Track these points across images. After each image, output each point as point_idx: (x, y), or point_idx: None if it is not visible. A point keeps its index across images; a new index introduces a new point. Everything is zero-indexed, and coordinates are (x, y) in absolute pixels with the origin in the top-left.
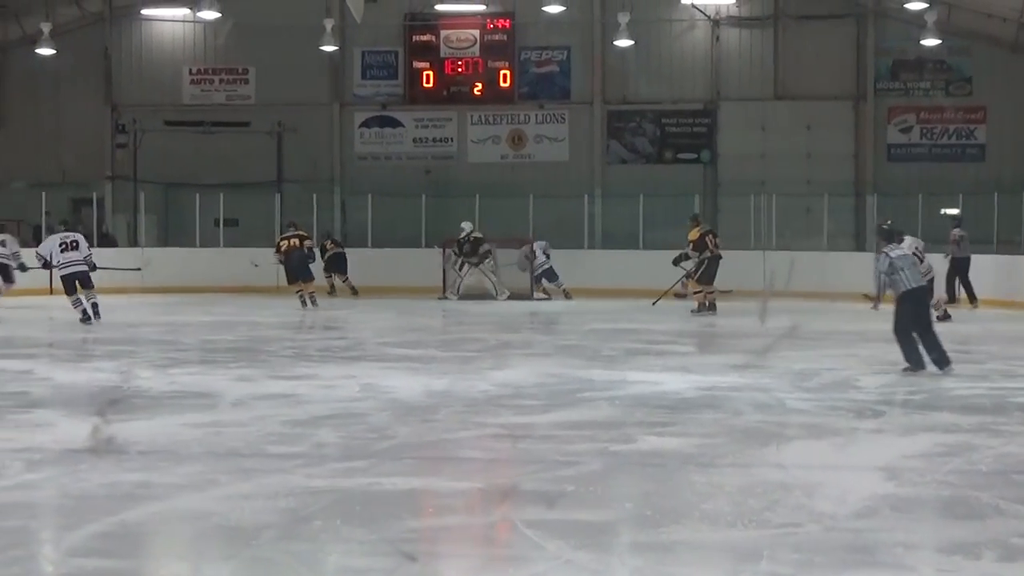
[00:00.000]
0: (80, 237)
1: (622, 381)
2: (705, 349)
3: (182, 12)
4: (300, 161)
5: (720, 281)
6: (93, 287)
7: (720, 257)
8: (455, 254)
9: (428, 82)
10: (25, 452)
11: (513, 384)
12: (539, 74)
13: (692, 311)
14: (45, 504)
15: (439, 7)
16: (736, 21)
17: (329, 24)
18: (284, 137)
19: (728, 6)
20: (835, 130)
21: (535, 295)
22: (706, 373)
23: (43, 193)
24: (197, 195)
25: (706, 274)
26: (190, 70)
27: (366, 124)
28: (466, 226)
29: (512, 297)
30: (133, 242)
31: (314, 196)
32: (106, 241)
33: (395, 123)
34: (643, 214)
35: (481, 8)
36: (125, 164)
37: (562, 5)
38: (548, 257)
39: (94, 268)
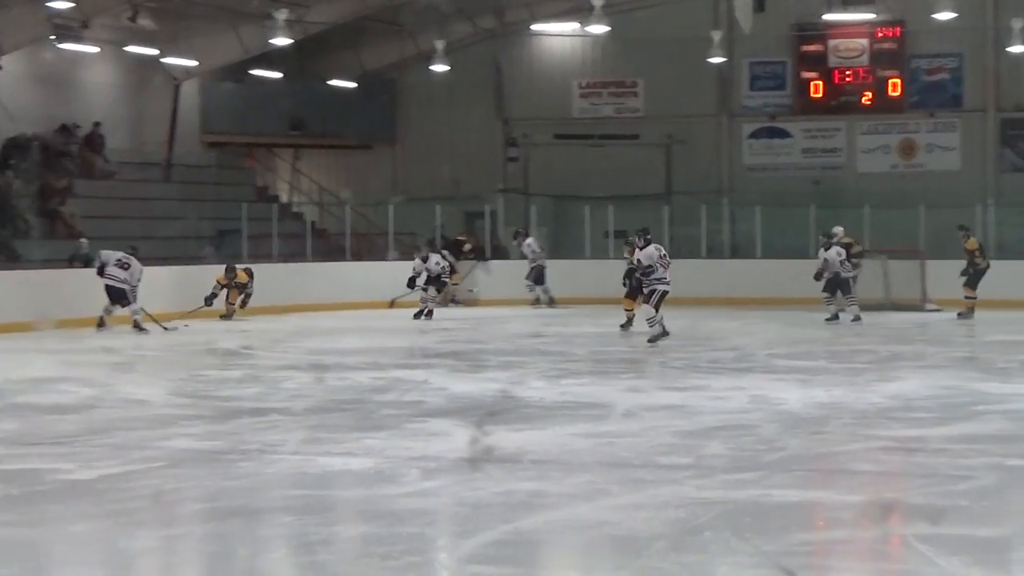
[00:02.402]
0: (134, 260)
1: (1018, 394)
2: None
3: (571, 27)
4: (688, 173)
5: None
6: (129, 303)
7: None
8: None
9: (817, 92)
10: (421, 460)
11: (904, 396)
12: (929, 82)
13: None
14: (441, 511)
15: (827, 16)
16: None
17: (717, 35)
18: (673, 149)
19: None
20: None
21: (927, 306)
22: None
23: (437, 207)
24: (586, 207)
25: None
26: (579, 84)
27: (754, 135)
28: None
29: (900, 308)
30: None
31: (703, 207)
32: (498, 253)
33: (784, 134)
34: None
35: (870, 16)
36: (516, 177)
37: (954, 12)
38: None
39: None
